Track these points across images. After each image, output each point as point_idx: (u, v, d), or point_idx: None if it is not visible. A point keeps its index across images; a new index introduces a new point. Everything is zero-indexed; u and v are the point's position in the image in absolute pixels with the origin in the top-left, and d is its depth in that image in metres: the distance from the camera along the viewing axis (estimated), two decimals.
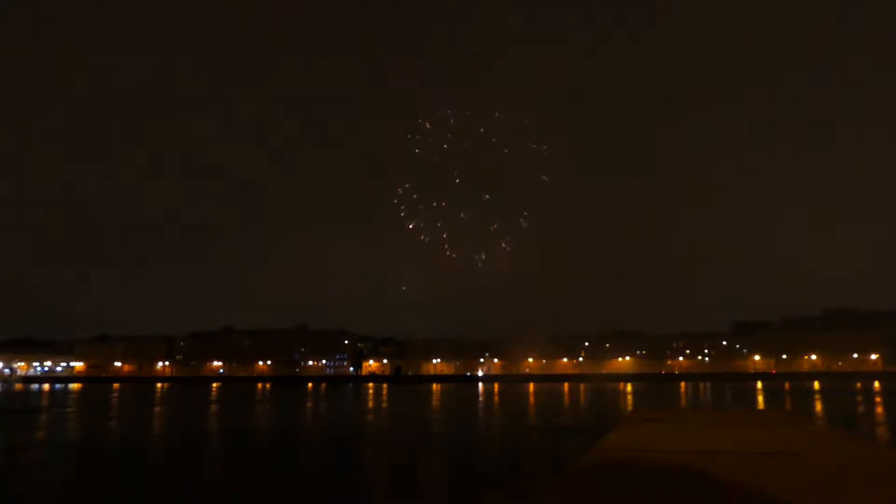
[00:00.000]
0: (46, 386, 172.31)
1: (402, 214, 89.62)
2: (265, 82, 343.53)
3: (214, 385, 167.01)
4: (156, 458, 34.69)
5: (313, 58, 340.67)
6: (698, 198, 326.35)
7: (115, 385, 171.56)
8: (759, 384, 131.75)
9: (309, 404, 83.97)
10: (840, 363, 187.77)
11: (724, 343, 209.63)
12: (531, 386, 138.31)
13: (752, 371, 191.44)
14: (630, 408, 65.58)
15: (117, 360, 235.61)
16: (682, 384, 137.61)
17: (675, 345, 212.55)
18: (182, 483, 26.44)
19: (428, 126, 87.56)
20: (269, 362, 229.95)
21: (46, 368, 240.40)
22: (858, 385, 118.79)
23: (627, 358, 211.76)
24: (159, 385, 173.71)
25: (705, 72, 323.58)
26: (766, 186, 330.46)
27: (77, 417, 63.37)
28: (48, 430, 51.09)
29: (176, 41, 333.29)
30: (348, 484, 25.67)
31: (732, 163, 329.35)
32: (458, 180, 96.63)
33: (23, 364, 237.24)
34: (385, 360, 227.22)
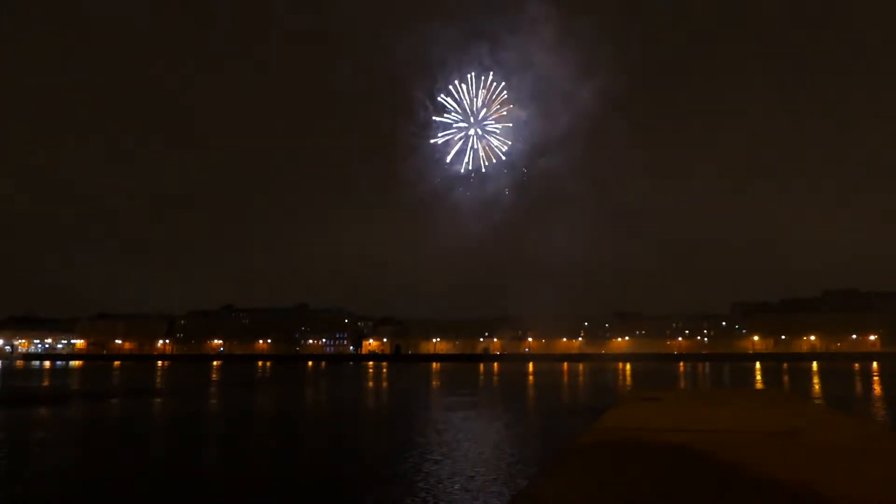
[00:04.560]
0: (48, 363, 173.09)
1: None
2: (263, 53, 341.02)
3: (215, 363, 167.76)
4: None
5: (314, 34, 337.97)
6: (699, 180, 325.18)
7: (117, 363, 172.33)
8: (758, 364, 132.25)
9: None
10: (839, 344, 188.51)
11: (724, 324, 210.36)
12: (531, 365, 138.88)
13: (751, 352, 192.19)
14: (629, 387, 65.86)
15: (118, 338, 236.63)
16: (682, 364, 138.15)
17: (674, 325, 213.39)
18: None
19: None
20: (269, 341, 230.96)
21: (47, 346, 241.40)
22: (857, 366, 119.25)
23: (627, 338, 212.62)
24: (160, 363, 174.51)
25: (709, 58, 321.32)
26: (766, 163, 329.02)
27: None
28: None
29: (175, 15, 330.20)
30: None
31: (732, 149, 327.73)
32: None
33: (23, 341, 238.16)
34: (385, 340, 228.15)
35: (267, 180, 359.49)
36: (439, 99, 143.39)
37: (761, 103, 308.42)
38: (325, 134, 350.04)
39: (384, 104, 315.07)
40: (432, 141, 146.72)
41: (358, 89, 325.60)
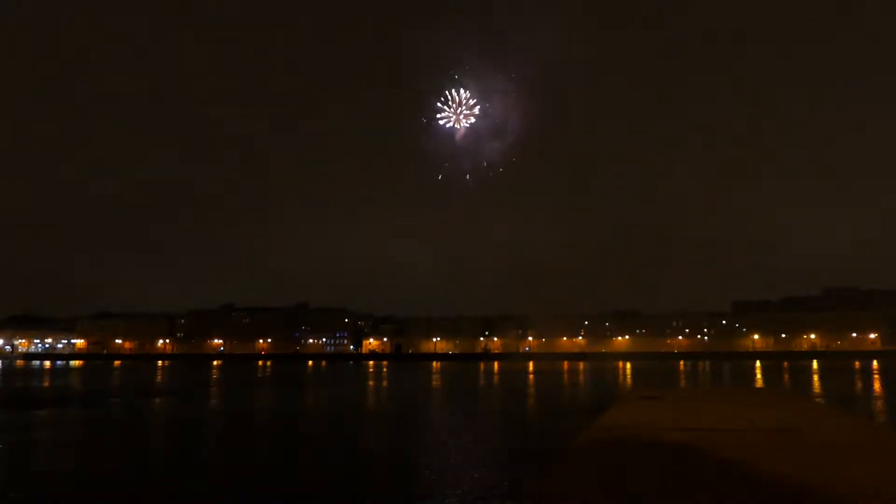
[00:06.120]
0: (48, 363, 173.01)
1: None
2: (266, 52, 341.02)
3: (216, 363, 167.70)
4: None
5: (314, 27, 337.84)
6: (699, 177, 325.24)
7: (117, 363, 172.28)
8: (759, 363, 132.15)
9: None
10: (839, 342, 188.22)
11: (724, 322, 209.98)
12: (531, 364, 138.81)
13: (751, 350, 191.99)
14: (629, 386, 65.81)
15: (118, 338, 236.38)
16: (682, 363, 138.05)
17: (674, 324, 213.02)
18: None
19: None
20: (269, 340, 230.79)
21: (47, 345, 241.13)
22: (857, 364, 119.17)
23: (627, 337, 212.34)
24: (160, 362, 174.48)
25: (706, 57, 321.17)
26: (767, 166, 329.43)
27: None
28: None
29: (176, 17, 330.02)
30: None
31: (732, 145, 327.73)
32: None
33: (23, 341, 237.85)
34: (385, 339, 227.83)
35: (267, 180, 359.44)
36: (438, 96, 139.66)
37: (763, 100, 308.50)
38: (326, 133, 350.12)
39: (385, 104, 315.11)
40: (428, 146, 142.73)
41: (359, 89, 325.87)
